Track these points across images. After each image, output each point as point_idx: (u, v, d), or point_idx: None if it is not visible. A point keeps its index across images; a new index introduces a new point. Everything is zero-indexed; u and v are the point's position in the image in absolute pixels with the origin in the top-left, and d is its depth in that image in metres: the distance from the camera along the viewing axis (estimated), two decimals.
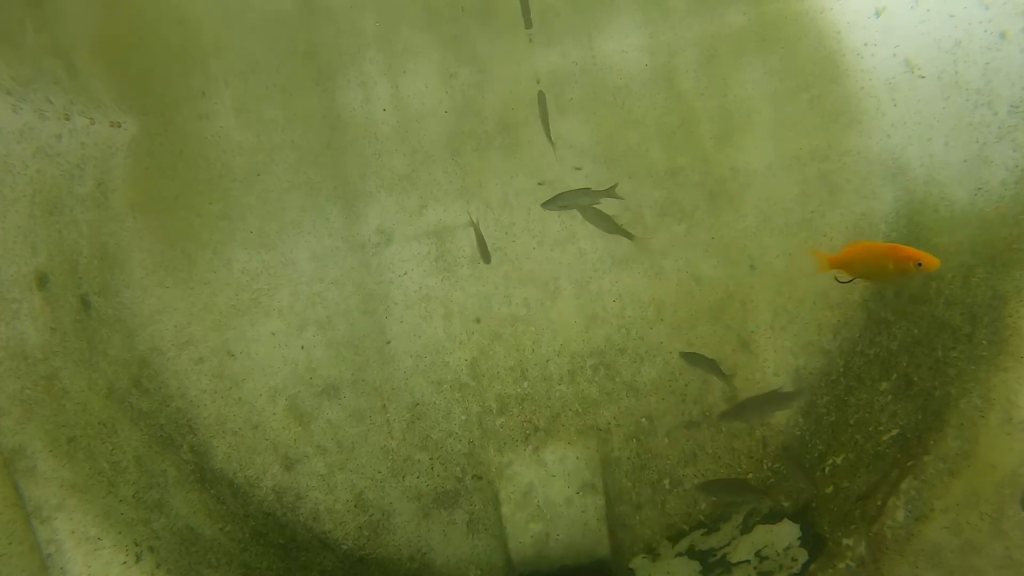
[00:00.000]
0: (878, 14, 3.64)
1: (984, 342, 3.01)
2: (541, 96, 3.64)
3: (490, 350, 3.91)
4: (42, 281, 3.28)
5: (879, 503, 3.03)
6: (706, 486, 3.68)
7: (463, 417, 3.89)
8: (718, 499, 3.72)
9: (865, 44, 3.71)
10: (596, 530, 3.68)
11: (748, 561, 3.41)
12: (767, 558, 3.37)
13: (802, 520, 3.41)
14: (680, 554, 3.65)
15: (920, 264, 2.40)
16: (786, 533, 3.41)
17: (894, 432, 3.26)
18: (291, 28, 3.87)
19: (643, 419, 3.86)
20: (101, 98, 3.71)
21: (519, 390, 3.90)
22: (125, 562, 2.91)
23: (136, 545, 2.98)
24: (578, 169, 3.88)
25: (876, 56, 3.69)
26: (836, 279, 2.69)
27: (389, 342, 3.90)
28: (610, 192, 3.35)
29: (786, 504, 3.52)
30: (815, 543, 3.27)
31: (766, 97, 3.85)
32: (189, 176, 3.86)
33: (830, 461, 3.52)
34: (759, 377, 3.83)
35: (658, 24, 3.88)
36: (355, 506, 3.81)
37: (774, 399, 3.31)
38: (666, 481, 3.83)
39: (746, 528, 3.58)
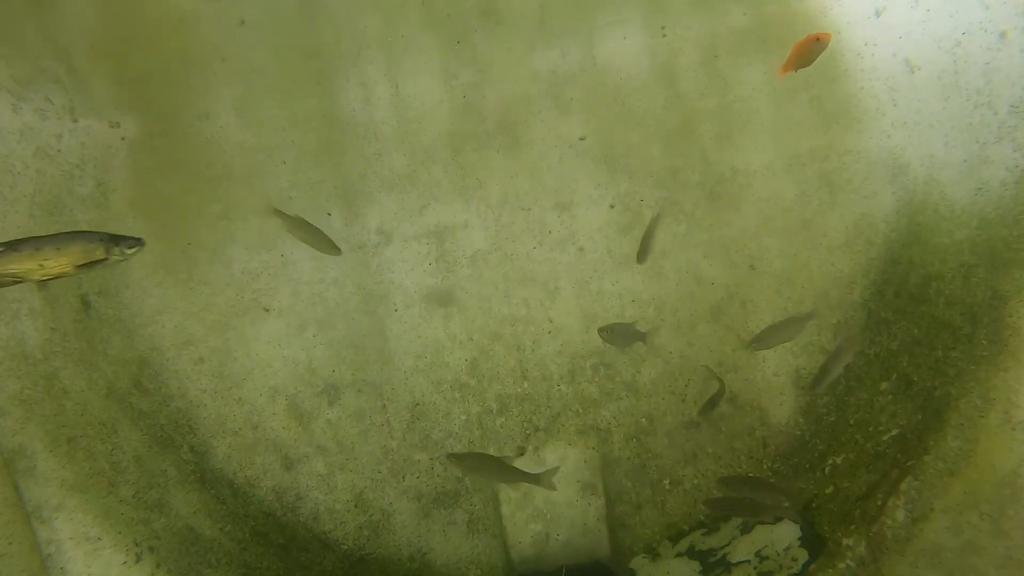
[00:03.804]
0: (878, 14, 3.64)
1: (984, 342, 3.01)
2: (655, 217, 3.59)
3: (490, 350, 3.91)
4: (42, 281, 3.28)
5: (879, 503, 3.03)
6: (727, 482, 3.66)
7: (463, 417, 3.89)
8: (736, 495, 3.71)
9: (865, 44, 3.71)
10: (596, 530, 3.68)
11: (748, 561, 3.41)
12: (767, 558, 3.37)
13: (802, 520, 3.41)
14: (680, 554, 3.65)
15: (818, 39, 2.98)
16: (786, 533, 3.40)
17: (894, 432, 3.26)
18: (291, 28, 3.87)
19: (643, 419, 3.86)
20: (101, 98, 3.71)
21: (519, 390, 3.90)
22: (125, 562, 2.91)
23: (136, 545, 2.98)
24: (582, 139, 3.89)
25: (876, 56, 3.69)
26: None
27: (388, 341, 3.90)
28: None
29: (786, 504, 3.52)
30: (815, 543, 3.27)
31: (766, 97, 3.86)
32: (189, 176, 3.85)
33: (830, 461, 3.52)
34: (759, 377, 3.83)
35: (658, 24, 3.88)
36: (355, 506, 3.81)
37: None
38: (666, 481, 3.83)
39: (746, 528, 3.58)
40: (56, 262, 2.16)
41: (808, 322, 3.41)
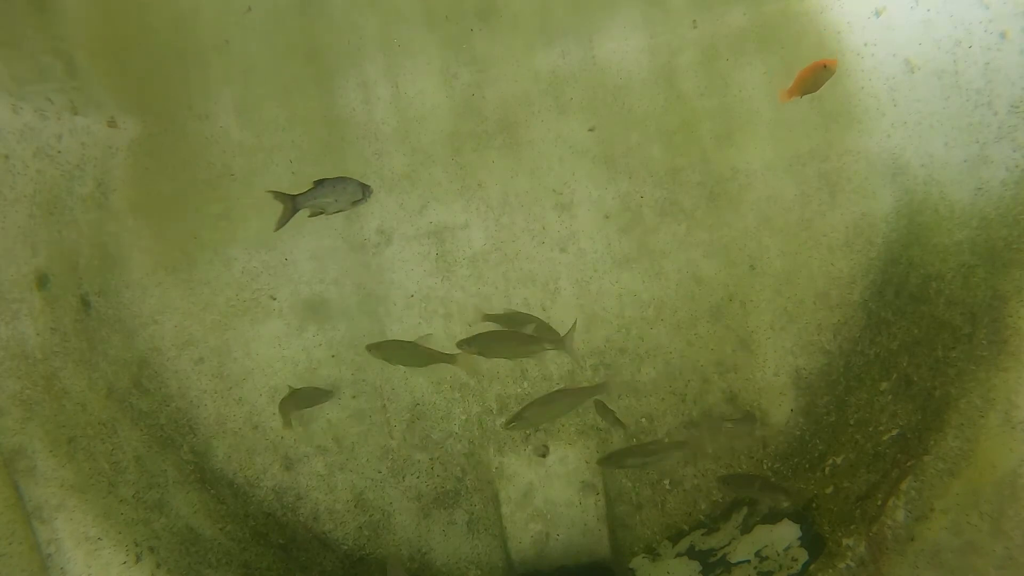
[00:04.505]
0: (878, 14, 3.64)
1: (984, 342, 3.01)
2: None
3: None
4: (42, 281, 3.28)
5: (879, 503, 3.04)
6: (727, 480, 3.67)
7: (463, 417, 3.89)
8: (737, 494, 3.72)
9: (865, 44, 3.71)
10: (596, 530, 3.68)
11: (748, 561, 3.41)
12: (767, 558, 3.37)
13: (802, 520, 3.41)
14: (680, 554, 3.65)
15: (825, 66, 2.96)
16: (786, 533, 3.41)
17: (894, 432, 3.26)
18: (291, 28, 3.87)
19: (643, 419, 3.86)
20: (101, 98, 3.71)
21: (519, 390, 3.90)
22: (125, 562, 2.91)
23: (136, 545, 2.98)
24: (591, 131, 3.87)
25: (876, 56, 3.69)
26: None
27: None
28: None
29: (786, 504, 3.52)
30: (815, 543, 3.27)
31: (766, 97, 3.85)
32: (189, 176, 3.86)
33: (830, 461, 3.52)
34: (759, 377, 3.83)
35: (658, 24, 3.88)
36: (355, 506, 3.81)
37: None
38: (666, 481, 3.83)
39: (746, 528, 3.58)
40: (343, 198, 2.85)
41: (593, 396, 3.14)
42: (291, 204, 2.84)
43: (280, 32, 3.87)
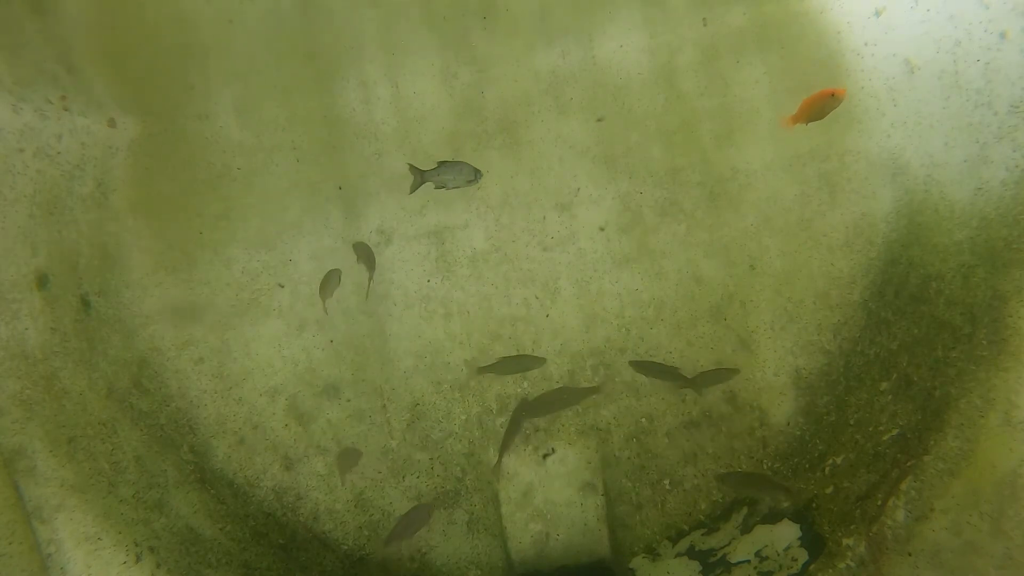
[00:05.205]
0: (878, 14, 3.64)
1: (984, 342, 3.01)
2: None
3: (490, 350, 3.91)
4: (42, 281, 3.28)
5: (879, 503, 3.04)
6: (726, 478, 3.66)
7: (463, 417, 3.89)
8: (737, 492, 3.71)
9: (865, 44, 3.71)
10: (596, 530, 3.68)
11: (748, 561, 3.41)
12: (767, 558, 3.37)
13: (802, 520, 3.41)
14: (680, 554, 3.65)
15: (833, 95, 2.96)
16: (786, 533, 3.41)
17: (894, 432, 3.26)
18: (291, 28, 3.87)
19: (643, 419, 3.86)
20: (101, 98, 3.71)
21: (519, 390, 3.90)
22: (125, 562, 2.91)
23: (136, 545, 2.98)
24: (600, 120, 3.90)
25: (876, 56, 3.69)
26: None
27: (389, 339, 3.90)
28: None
29: (786, 503, 3.52)
30: (815, 543, 3.27)
31: (766, 97, 3.86)
32: (189, 176, 3.86)
33: (830, 461, 3.52)
34: (759, 377, 3.83)
35: (658, 24, 3.88)
36: (355, 506, 3.81)
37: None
38: (666, 481, 3.83)
39: (746, 528, 3.58)
40: (460, 177, 3.31)
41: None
42: (420, 176, 3.36)
43: (280, 32, 3.87)
